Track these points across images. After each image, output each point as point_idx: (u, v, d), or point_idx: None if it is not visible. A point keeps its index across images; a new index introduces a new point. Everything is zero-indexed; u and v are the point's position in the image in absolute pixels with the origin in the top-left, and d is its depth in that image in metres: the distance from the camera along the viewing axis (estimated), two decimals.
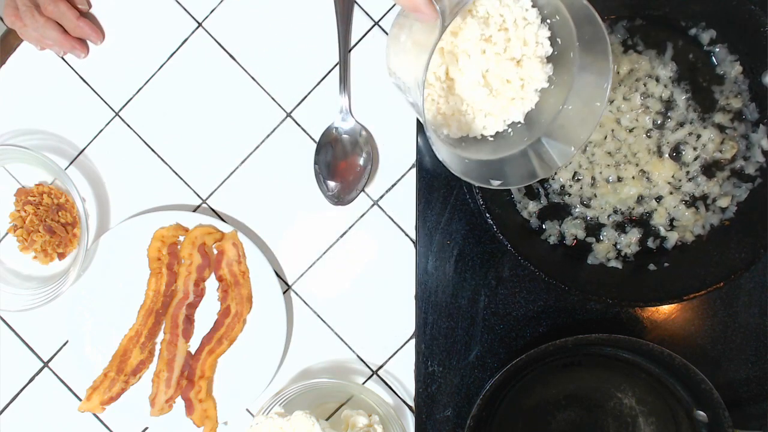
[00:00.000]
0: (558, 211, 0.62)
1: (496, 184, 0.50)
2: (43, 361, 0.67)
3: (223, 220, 0.66)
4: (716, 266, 0.57)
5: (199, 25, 0.66)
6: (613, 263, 0.60)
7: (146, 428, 0.67)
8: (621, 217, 0.61)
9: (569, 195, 0.61)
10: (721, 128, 0.60)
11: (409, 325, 0.65)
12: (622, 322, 0.63)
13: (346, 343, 0.66)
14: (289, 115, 0.66)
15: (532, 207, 0.61)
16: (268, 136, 0.66)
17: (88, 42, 0.66)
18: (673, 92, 0.60)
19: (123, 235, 0.65)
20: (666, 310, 0.62)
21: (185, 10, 0.66)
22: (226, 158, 0.66)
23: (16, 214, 0.66)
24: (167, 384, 0.65)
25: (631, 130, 0.60)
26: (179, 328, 0.65)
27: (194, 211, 0.67)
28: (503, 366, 0.57)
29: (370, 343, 0.66)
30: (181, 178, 0.67)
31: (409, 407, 0.65)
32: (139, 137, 0.67)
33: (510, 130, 0.52)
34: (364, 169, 0.64)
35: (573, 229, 0.61)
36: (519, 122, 0.52)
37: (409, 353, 0.65)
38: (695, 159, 0.60)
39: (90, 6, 0.65)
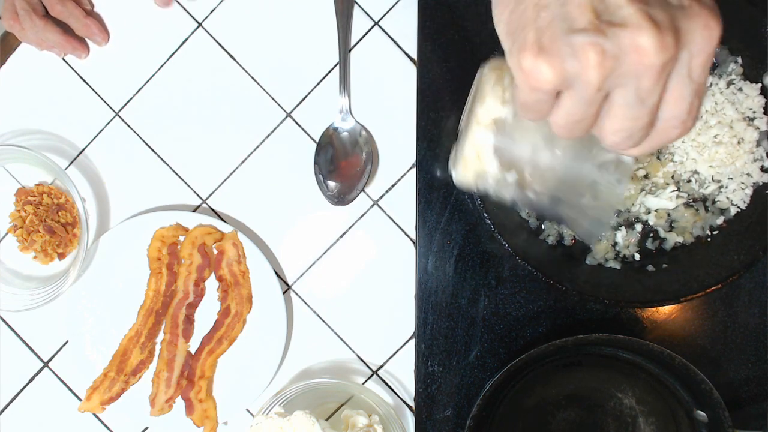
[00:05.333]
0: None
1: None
2: (43, 361, 0.68)
3: (223, 220, 0.66)
4: (715, 268, 0.57)
5: (199, 25, 0.66)
6: (612, 264, 0.60)
7: (146, 428, 0.67)
8: (620, 218, 0.61)
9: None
10: None
11: (409, 325, 0.65)
12: (622, 322, 0.63)
13: (346, 343, 0.66)
14: (289, 115, 0.66)
15: None
16: (268, 136, 0.66)
17: (90, 42, 0.66)
18: None
19: (123, 235, 0.65)
20: (666, 310, 0.63)
21: (185, 10, 0.66)
22: (226, 158, 0.66)
23: (16, 214, 0.66)
24: (167, 384, 0.65)
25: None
26: (179, 328, 0.65)
27: (194, 211, 0.67)
28: (503, 366, 0.57)
29: (370, 343, 0.66)
30: (181, 178, 0.67)
31: (409, 407, 0.65)
32: (139, 137, 0.67)
33: None
34: (364, 169, 0.64)
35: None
36: None
37: (409, 353, 0.65)
38: None
39: (92, 6, 0.66)
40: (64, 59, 0.66)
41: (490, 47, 0.62)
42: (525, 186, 0.42)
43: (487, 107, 0.41)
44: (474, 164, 0.42)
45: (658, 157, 0.60)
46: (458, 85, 0.63)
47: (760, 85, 0.59)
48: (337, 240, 0.66)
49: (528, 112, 0.34)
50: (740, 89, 0.59)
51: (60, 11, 0.62)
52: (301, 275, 0.66)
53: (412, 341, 0.65)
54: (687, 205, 0.60)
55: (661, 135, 0.32)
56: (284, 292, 0.66)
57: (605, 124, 0.32)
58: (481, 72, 0.43)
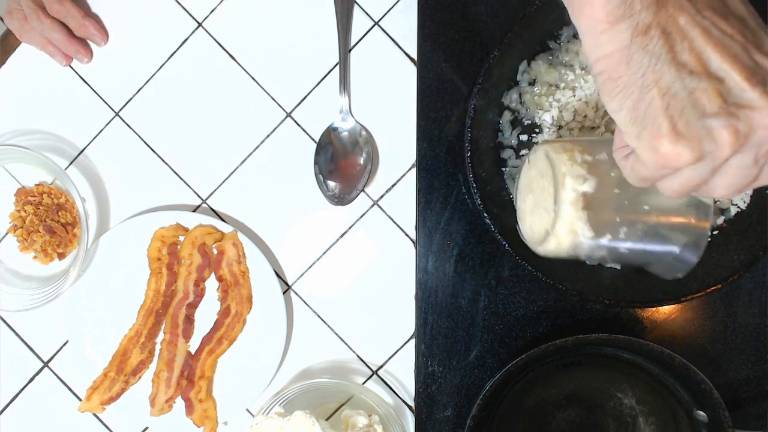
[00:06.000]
0: None
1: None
2: (43, 361, 0.68)
3: (223, 220, 0.66)
4: (715, 268, 0.57)
5: (199, 25, 0.66)
6: (612, 264, 0.60)
7: (146, 428, 0.67)
8: None
9: None
10: None
11: (409, 325, 0.65)
12: (622, 322, 0.63)
13: (346, 343, 0.66)
14: (289, 115, 0.66)
15: None
16: (268, 136, 0.66)
17: (90, 42, 0.66)
18: None
19: (123, 235, 0.65)
20: (666, 310, 0.63)
21: (185, 10, 0.66)
22: (226, 158, 0.66)
23: (16, 214, 0.66)
24: (167, 384, 0.65)
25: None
26: (179, 328, 0.65)
27: (194, 211, 0.67)
28: (503, 366, 0.57)
29: (370, 343, 0.66)
30: (181, 178, 0.67)
31: (409, 407, 0.65)
32: (139, 137, 0.67)
33: None
34: (364, 169, 0.64)
35: None
36: None
37: (409, 353, 0.65)
38: None
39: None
40: None
41: (490, 47, 0.62)
42: (618, 245, 0.46)
43: (570, 186, 0.45)
44: (568, 239, 0.46)
45: None
46: (458, 85, 0.63)
47: None
48: (337, 240, 0.66)
49: (644, 182, 0.38)
50: None
51: (58, 10, 0.62)
52: (301, 275, 0.66)
53: (412, 341, 0.65)
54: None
55: (760, 181, 0.37)
56: (284, 292, 0.66)
57: (717, 182, 0.36)
58: (547, 159, 0.46)
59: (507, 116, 0.61)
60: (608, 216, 0.45)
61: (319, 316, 0.66)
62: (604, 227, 0.45)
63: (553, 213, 0.46)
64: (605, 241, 0.46)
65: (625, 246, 0.46)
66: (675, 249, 0.46)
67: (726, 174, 0.35)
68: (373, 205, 0.65)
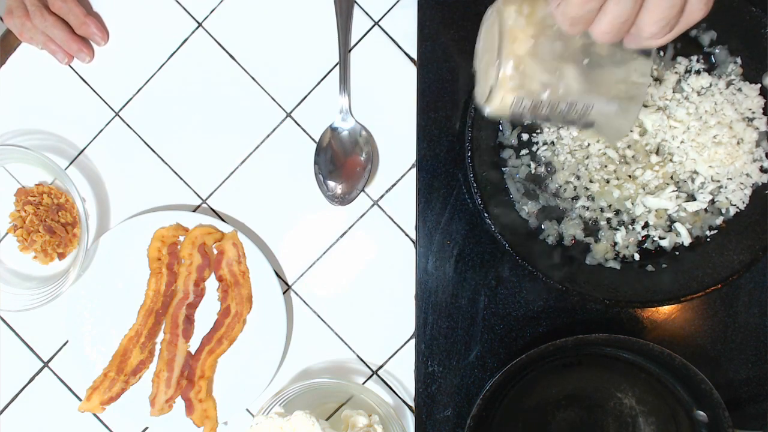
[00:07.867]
0: (557, 211, 0.62)
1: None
2: (43, 361, 0.68)
3: (223, 220, 0.66)
4: (714, 268, 0.57)
5: (199, 25, 0.66)
6: (611, 264, 0.60)
7: (146, 428, 0.67)
8: (619, 218, 0.61)
9: (564, 198, 0.61)
10: None
11: (409, 325, 0.65)
12: (622, 322, 0.63)
13: (346, 343, 0.66)
14: (289, 115, 0.66)
15: (531, 207, 0.61)
16: (268, 136, 0.66)
17: (91, 42, 0.66)
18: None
19: (123, 235, 0.65)
20: (666, 310, 0.63)
21: (185, 10, 0.66)
22: (226, 158, 0.66)
23: (16, 214, 0.66)
24: (167, 384, 0.65)
25: (630, 130, 0.60)
26: (179, 328, 0.65)
27: (194, 211, 0.67)
28: (503, 366, 0.57)
29: (370, 343, 0.66)
30: (181, 178, 0.67)
31: (409, 407, 0.65)
32: (139, 137, 0.67)
33: None
34: (364, 169, 0.64)
35: (571, 230, 0.61)
36: None
37: (409, 353, 0.65)
38: None
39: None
40: None
41: None
42: (558, 100, 0.46)
43: (518, 39, 0.45)
44: (510, 93, 0.46)
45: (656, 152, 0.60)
46: (458, 85, 0.63)
47: (759, 85, 0.59)
48: (337, 240, 0.66)
49: (576, 26, 0.39)
50: (740, 90, 0.59)
51: (60, 7, 0.63)
52: (301, 275, 0.66)
53: (412, 341, 0.65)
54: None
55: (688, 18, 0.38)
56: (284, 292, 0.66)
57: (644, 18, 0.38)
58: (497, 14, 0.46)
59: None
60: (549, 69, 0.46)
61: (319, 316, 0.66)
62: (546, 81, 0.46)
63: (497, 66, 0.46)
64: (545, 95, 0.46)
65: (566, 101, 0.46)
66: (614, 104, 0.47)
67: (651, 8, 0.37)
68: (373, 205, 0.66)
